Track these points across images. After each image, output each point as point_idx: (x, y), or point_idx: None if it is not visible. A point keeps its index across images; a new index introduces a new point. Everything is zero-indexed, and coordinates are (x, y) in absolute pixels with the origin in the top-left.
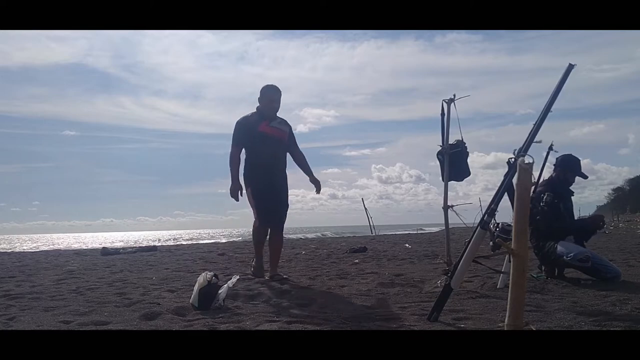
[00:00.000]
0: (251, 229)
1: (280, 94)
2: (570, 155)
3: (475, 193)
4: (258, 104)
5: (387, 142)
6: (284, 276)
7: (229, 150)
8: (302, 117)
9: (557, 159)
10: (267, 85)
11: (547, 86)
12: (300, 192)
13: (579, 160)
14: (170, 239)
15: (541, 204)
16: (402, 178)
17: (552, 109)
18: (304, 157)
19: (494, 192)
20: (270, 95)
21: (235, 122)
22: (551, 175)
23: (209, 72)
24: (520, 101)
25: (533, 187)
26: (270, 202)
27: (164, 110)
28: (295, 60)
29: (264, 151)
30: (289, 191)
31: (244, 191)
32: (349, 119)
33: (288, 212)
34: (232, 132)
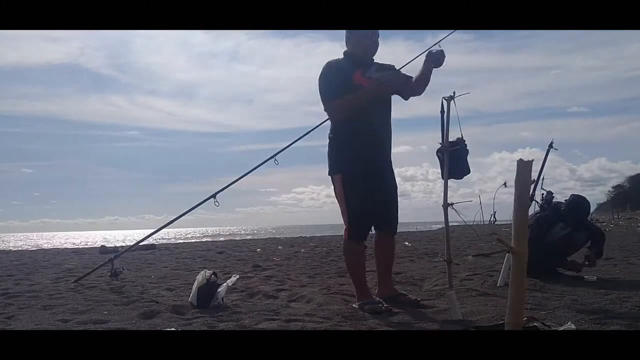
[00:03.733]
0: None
1: (377, 32)
2: (581, 196)
3: (492, 189)
4: (345, 49)
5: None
6: (406, 295)
7: (328, 110)
8: None
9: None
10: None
11: (541, 84)
12: (313, 189)
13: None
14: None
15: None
16: (427, 176)
17: None
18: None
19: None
20: (364, 33)
21: (323, 67)
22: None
23: (202, 72)
24: (515, 99)
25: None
26: (370, 203)
27: (159, 109)
28: (287, 59)
29: (362, 116)
30: (306, 188)
31: (334, 177)
32: None
33: (297, 210)
34: (319, 84)
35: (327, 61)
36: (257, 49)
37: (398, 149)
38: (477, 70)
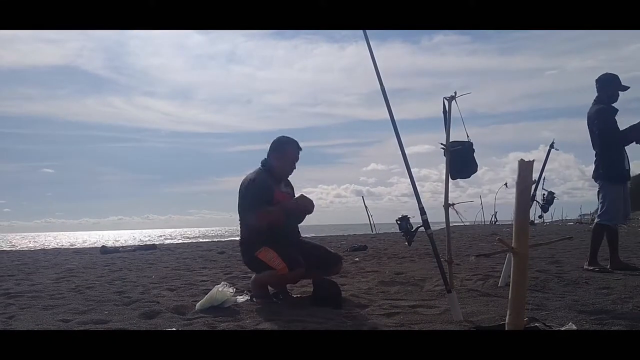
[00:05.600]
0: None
1: (300, 152)
2: (608, 74)
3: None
4: (267, 158)
5: (379, 141)
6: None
7: (251, 219)
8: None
9: (596, 81)
10: (288, 140)
11: (538, 86)
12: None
13: (617, 76)
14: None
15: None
16: (441, 177)
17: None
18: None
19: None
20: (293, 153)
21: (247, 181)
22: (598, 96)
23: (199, 73)
24: (512, 101)
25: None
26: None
27: (157, 109)
28: (284, 61)
29: (278, 227)
30: (315, 188)
31: (256, 252)
32: (342, 119)
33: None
34: (242, 190)
35: (250, 177)
36: (254, 51)
37: (417, 148)
38: (475, 72)
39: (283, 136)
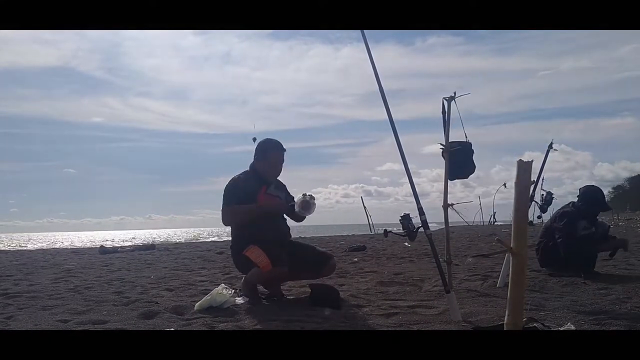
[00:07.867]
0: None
1: (284, 153)
2: (592, 186)
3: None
4: (253, 160)
5: (377, 141)
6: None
7: (222, 213)
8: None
9: (580, 190)
10: (271, 143)
11: (534, 87)
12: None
13: (601, 191)
14: None
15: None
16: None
17: None
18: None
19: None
20: (276, 158)
21: (230, 181)
22: (571, 205)
23: (194, 74)
24: (508, 102)
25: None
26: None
27: (153, 110)
28: (279, 62)
29: (266, 227)
30: (325, 188)
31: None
32: (340, 119)
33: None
34: (223, 192)
35: (234, 177)
36: (249, 52)
37: (432, 148)
38: (471, 73)
39: (267, 140)
